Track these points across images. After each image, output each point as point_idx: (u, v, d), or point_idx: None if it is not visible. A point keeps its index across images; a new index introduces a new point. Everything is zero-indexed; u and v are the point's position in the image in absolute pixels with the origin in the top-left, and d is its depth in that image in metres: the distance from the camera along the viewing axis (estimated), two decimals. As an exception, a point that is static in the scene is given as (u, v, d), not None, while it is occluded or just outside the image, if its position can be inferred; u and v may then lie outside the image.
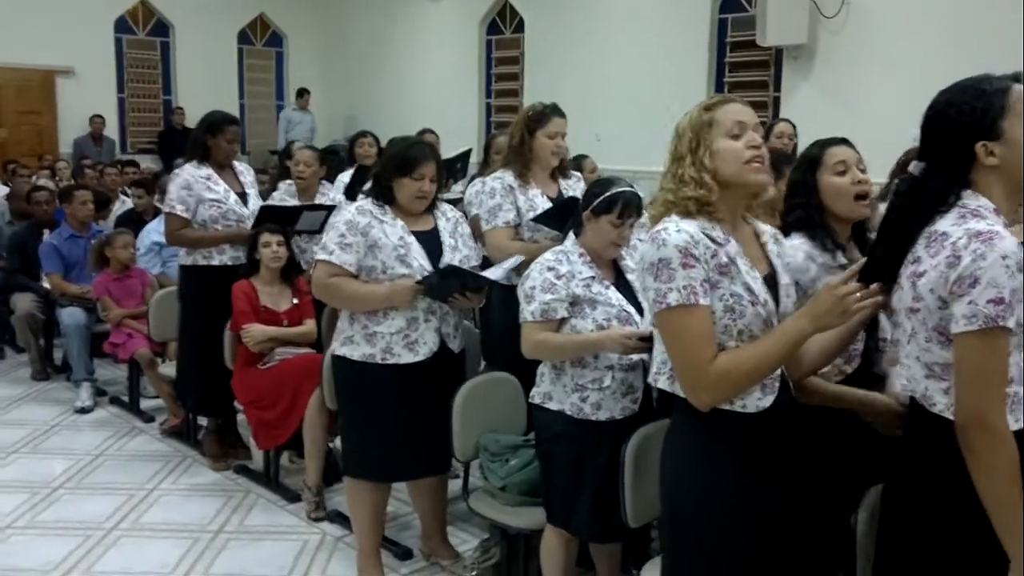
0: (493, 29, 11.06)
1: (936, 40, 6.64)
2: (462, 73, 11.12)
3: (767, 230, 2.09)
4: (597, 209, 2.71)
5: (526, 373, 2.93)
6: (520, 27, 10.62)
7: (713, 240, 1.89)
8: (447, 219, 3.23)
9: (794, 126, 4.99)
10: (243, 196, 4.31)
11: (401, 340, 3.06)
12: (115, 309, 5.15)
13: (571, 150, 4.01)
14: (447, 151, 4.86)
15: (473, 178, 4.79)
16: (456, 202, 4.30)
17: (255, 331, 3.93)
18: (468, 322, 3.60)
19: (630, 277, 2.80)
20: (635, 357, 2.66)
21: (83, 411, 5.16)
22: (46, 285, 5.70)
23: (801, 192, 2.42)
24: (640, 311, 2.71)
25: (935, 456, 1.76)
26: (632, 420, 2.65)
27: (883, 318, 2.16)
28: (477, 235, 3.70)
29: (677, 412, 2.00)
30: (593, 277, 2.72)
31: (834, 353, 2.04)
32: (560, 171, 3.67)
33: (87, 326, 5.41)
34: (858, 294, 1.81)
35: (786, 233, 2.31)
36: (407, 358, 3.07)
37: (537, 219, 3.44)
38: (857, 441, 2.27)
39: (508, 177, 3.52)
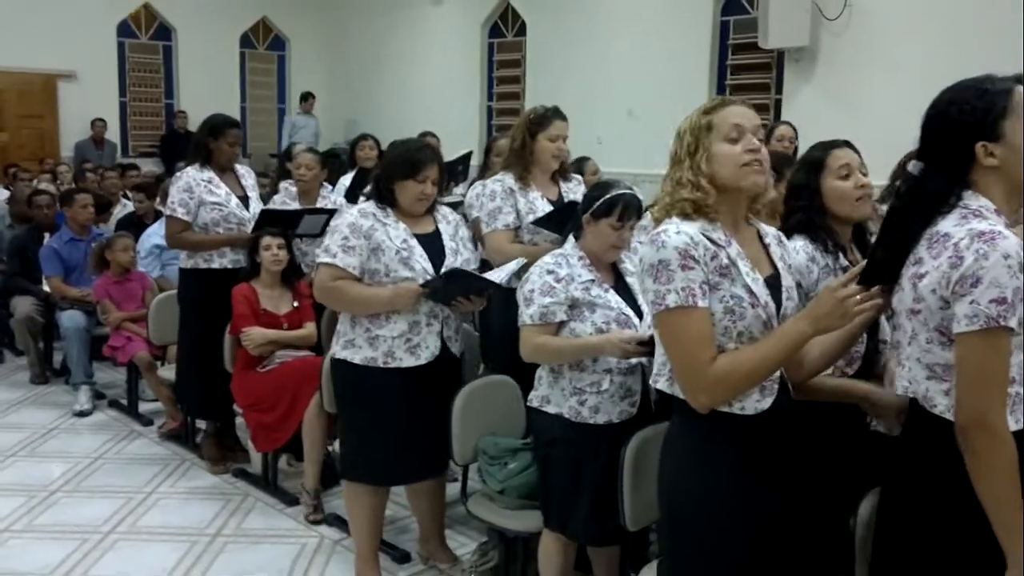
0: (495, 32, 11.07)
1: (937, 43, 6.63)
2: (463, 76, 11.13)
3: (771, 232, 2.09)
4: (597, 212, 2.70)
5: (525, 376, 2.92)
6: (522, 30, 10.63)
7: (713, 242, 1.88)
8: (447, 222, 3.22)
9: (795, 129, 4.99)
10: (244, 199, 4.31)
11: (403, 344, 3.04)
12: (115, 312, 5.14)
13: (572, 153, 4.01)
14: (448, 154, 4.85)
15: (474, 181, 4.78)
16: (457, 204, 4.30)
17: (255, 334, 3.92)
18: (467, 325, 3.59)
19: (629, 280, 2.80)
20: (634, 361, 2.64)
21: (82, 414, 5.15)
22: (46, 288, 5.69)
23: (803, 195, 2.41)
24: (639, 314, 2.70)
25: (935, 458, 1.75)
26: (630, 423, 2.63)
27: (883, 320, 2.15)
28: (478, 237, 3.69)
29: (676, 414, 1.99)
30: (592, 280, 2.70)
31: (836, 356, 2.03)
32: (561, 174, 3.66)
33: (87, 329, 5.40)
34: (858, 296, 1.80)
35: (787, 235, 2.30)
36: (409, 362, 3.06)
37: (537, 222, 3.43)
38: (856, 443, 2.27)
39: (509, 180, 3.51)
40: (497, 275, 3.05)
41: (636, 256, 2.66)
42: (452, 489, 3.57)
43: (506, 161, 3.64)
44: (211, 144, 4.22)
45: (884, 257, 1.82)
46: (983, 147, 1.73)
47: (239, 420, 4.43)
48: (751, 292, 1.89)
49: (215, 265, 4.22)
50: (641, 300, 2.70)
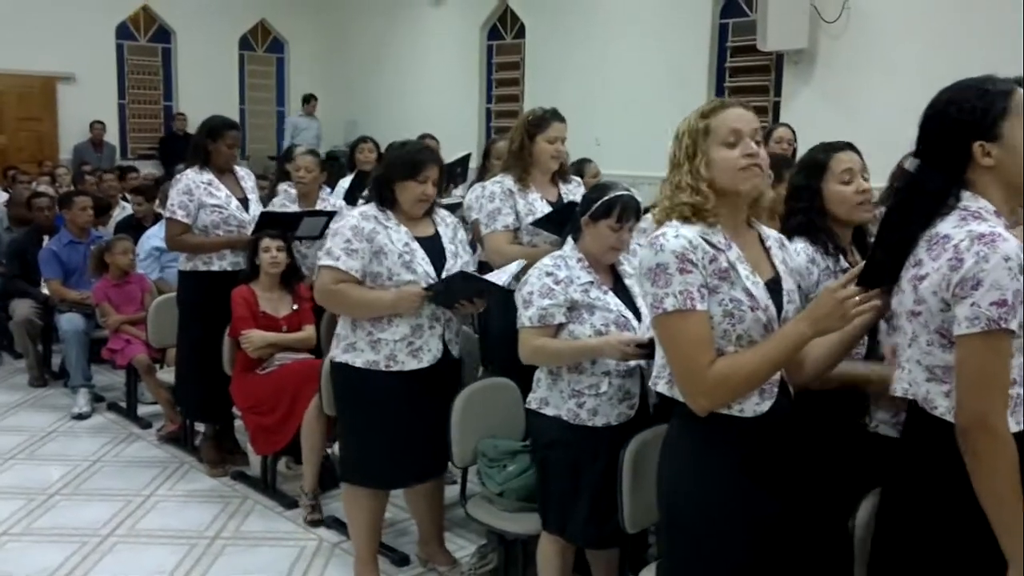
0: (494, 34, 11.07)
1: (935, 45, 6.63)
2: (463, 78, 11.13)
3: (772, 235, 2.09)
4: (595, 214, 2.70)
5: (524, 378, 2.91)
6: (521, 32, 10.63)
7: (713, 245, 1.88)
8: (446, 225, 3.23)
9: (793, 131, 4.98)
10: (244, 202, 4.30)
11: (405, 347, 3.04)
12: (114, 315, 5.14)
13: (571, 155, 4.01)
14: (447, 156, 4.85)
15: (473, 183, 4.78)
16: (456, 206, 4.30)
17: (254, 337, 3.92)
18: (467, 328, 3.59)
19: (628, 282, 2.80)
20: (632, 363, 2.64)
21: (80, 417, 5.15)
22: (45, 291, 5.69)
23: (804, 197, 2.41)
24: (638, 316, 2.69)
25: (935, 460, 1.74)
26: (628, 426, 2.63)
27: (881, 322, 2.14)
28: (477, 239, 3.69)
29: (675, 416, 1.99)
30: (591, 282, 2.70)
31: (837, 358, 2.02)
32: (560, 176, 3.66)
33: (86, 332, 5.40)
34: (857, 298, 1.80)
35: (787, 237, 2.30)
36: (411, 365, 3.05)
37: (536, 223, 3.43)
38: (855, 445, 2.26)
39: (508, 181, 3.52)
40: (498, 277, 3.05)
41: (635, 258, 2.66)
42: (451, 491, 3.56)
43: (505, 163, 3.64)
44: (209, 146, 4.22)
45: (883, 258, 1.82)
46: (980, 146, 1.73)
47: (238, 423, 4.43)
48: (751, 295, 1.88)
49: (214, 267, 4.21)
50: (640, 302, 2.70)
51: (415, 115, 10.51)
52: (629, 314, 2.70)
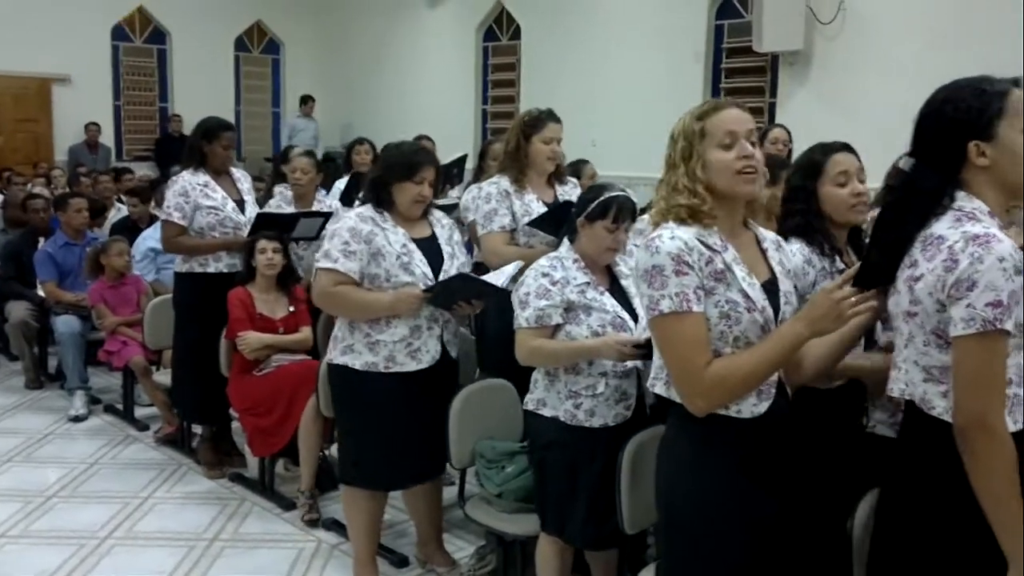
0: (490, 36, 11.08)
1: (931, 46, 6.65)
2: (459, 80, 11.13)
3: (769, 236, 2.09)
4: (591, 215, 2.70)
5: (521, 379, 2.92)
6: (517, 34, 10.64)
7: (709, 247, 1.89)
8: (442, 226, 3.23)
9: (788, 132, 5.00)
10: (240, 203, 4.29)
11: (404, 348, 3.04)
12: (110, 317, 5.13)
13: (567, 156, 4.01)
14: (443, 157, 4.86)
15: (469, 184, 4.78)
16: (452, 207, 4.30)
17: (251, 338, 3.92)
18: (464, 329, 3.59)
19: (624, 283, 2.80)
20: (629, 364, 2.65)
21: (77, 419, 5.13)
22: (41, 293, 5.68)
23: (800, 198, 2.42)
24: (635, 317, 2.70)
25: (933, 460, 1.75)
26: (625, 427, 2.64)
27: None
28: (474, 240, 3.68)
29: (673, 417, 2.00)
30: (588, 283, 2.71)
31: (835, 358, 2.02)
32: (556, 177, 3.67)
33: (82, 334, 5.39)
34: (854, 299, 1.80)
35: (784, 238, 2.30)
36: (410, 366, 3.05)
37: (532, 224, 3.43)
38: (853, 445, 2.27)
39: (504, 182, 3.52)
40: (496, 278, 3.05)
41: (631, 259, 2.66)
42: (450, 493, 3.56)
43: (501, 164, 3.64)
44: (205, 147, 4.21)
45: (879, 259, 1.82)
46: (976, 146, 1.73)
47: (235, 424, 4.43)
48: (747, 297, 1.89)
49: (211, 269, 4.21)
50: (636, 303, 2.70)
51: (411, 116, 10.52)
52: (626, 315, 2.70)
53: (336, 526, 3.75)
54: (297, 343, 4.05)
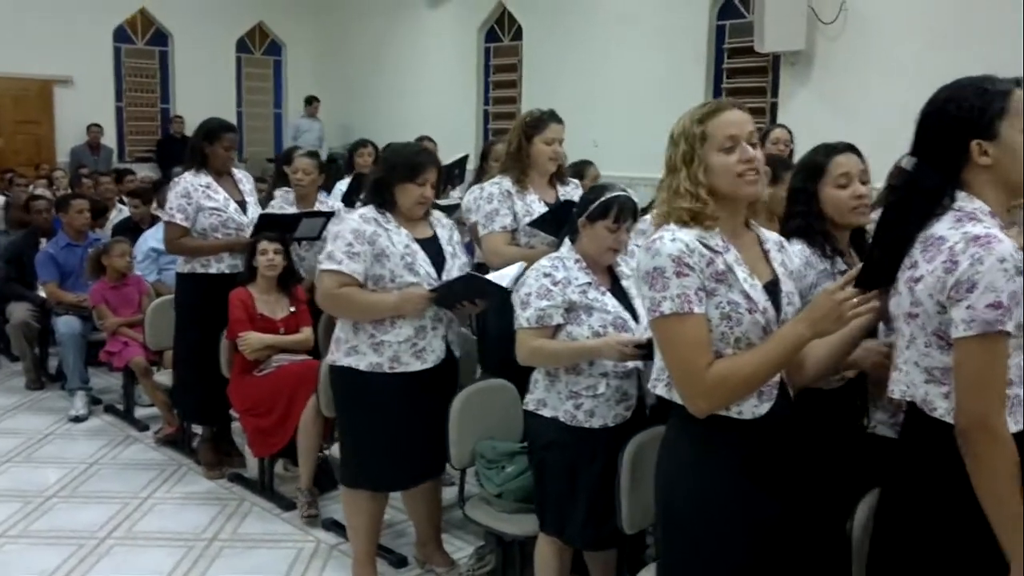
0: (491, 36, 11.07)
1: (933, 46, 6.64)
2: (460, 80, 11.13)
3: (771, 238, 2.08)
4: (593, 215, 2.70)
5: (523, 379, 2.91)
6: (518, 34, 10.64)
7: (710, 248, 1.88)
8: (443, 226, 3.24)
9: (790, 132, 4.99)
10: (242, 204, 4.29)
11: (409, 349, 3.04)
12: (111, 317, 5.13)
13: (569, 156, 4.01)
14: (444, 158, 4.86)
15: (470, 185, 4.78)
16: (454, 208, 4.30)
17: (252, 339, 3.92)
18: (465, 329, 3.59)
19: (626, 283, 2.80)
20: (630, 365, 2.64)
21: (77, 420, 5.14)
22: (42, 294, 5.68)
23: (801, 199, 2.42)
24: (636, 317, 2.69)
25: (934, 461, 1.74)
26: (625, 427, 2.63)
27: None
28: (476, 240, 3.68)
29: (674, 418, 1.99)
30: (589, 283, 2.70)
31: (838, 359, 2.02)
32: (558, 178, 3.66)
33: (83, 335, 5.39)
34: (855, 299, 1.80)
35: (786, 238, 2.30)
36: (415, 366, 3.05)
37: (533, 224, 3.43)
38: (854, 446, 2.26)
39: (506, 183, 3.52)
40: (503, 279, 3.04)
41: (633, 259, 2.66)
42: (449, 493, 3.56)
43: (503, 165, 3.64)
44: (206, 148, 4.21)
45: (880, 259, 1.82)
46: (978, 145, 1.73)
47: (235, 425, 4.43)
48: (748, 298, 1.88)
49: (212, 270, 4.21)
50: (637, 303, 2.69)
51: (412, 117, 10.52)
52: (627, 315, 2.70)
53: (335, 526, 3.75)
54: (298, 343, 4.05)
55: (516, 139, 3.54)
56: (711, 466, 1.92)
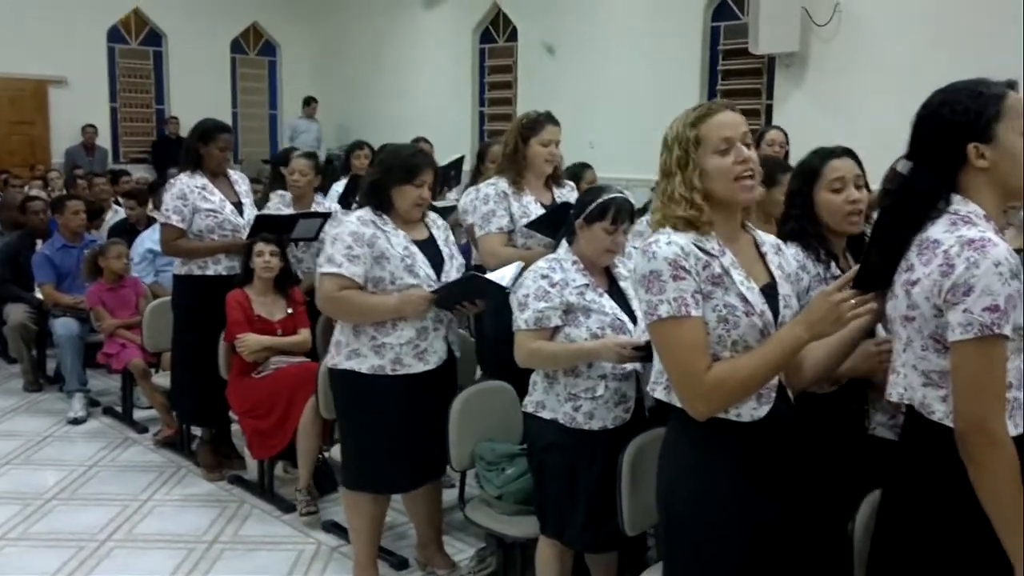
0: (486, 38, 11.08)
1: (927, 47, 6.68)
2: (455, 82, 11.14)
3: (768, 240, 2.09)
4: (590, 216, 2.71)
5: (522, 381, 2.92)
6: (513, 36, 10.65)
7: (706, 252, 1.89)
8: (438, 227, 3.25)
9: (785, 134, 5.00)
10: (238, 205, 4.29)
11: (411, 350, 3.05)
12: (108, 319, 5.13)
13: (565, 158, 4.02)
14: (440, 159, 4.87)
15: (467, 186, 4.79)
16: (450, 209, 4.31)
17: (250, 340, 3.92)
18: (463, 331, 3.60)
19: (623, 285, 2.81)
20: (629, 366, 2.65)
21: (76, 422, 5.14)
22: (39, 295, 5.68)
23: (797, 203, 2.42)
24: (634, 319, 2.71)
25: (933, 464, 1.75)
26: (624, 430, 2.64)
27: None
28: (472, 241, 3.69)
29: (674, 421, 2.00)
30: (587, 285, 2.71)
31: (836, 361, 2.02)
32: (554, 179, 3.68)
33: (80, 336, 5.39)
34: (853, 301, 1.81)
35: (782, 241, 2.31)
36: (417, 368, 3.06)
37: (530, 225, 3.44)
38: (854, 448, 2.27)
39: (502, 184, 3.53)
40: (503, 279, 3.05)
41: (630, 261, 2.67)
42: (450, 495, 3.57)
43: (499, 166, 3.66)
44: (201, 149, 4.21)
45: (877, 260, 1.83)
46: (975, 148, 1.74)
47: (235, 427, 4.43)
48: (745, 301, 1.89)
49: (209, 272, 4.21)
50: (635, 305, 2.70)
51: (408, 118, 10.52)
52: (624, 317, 2.71)
53: (336, 528, 3.75)
54: (296, 345, 4.05)
55: (512, 141, 3.55)
56: (710, 469, 1.93)
